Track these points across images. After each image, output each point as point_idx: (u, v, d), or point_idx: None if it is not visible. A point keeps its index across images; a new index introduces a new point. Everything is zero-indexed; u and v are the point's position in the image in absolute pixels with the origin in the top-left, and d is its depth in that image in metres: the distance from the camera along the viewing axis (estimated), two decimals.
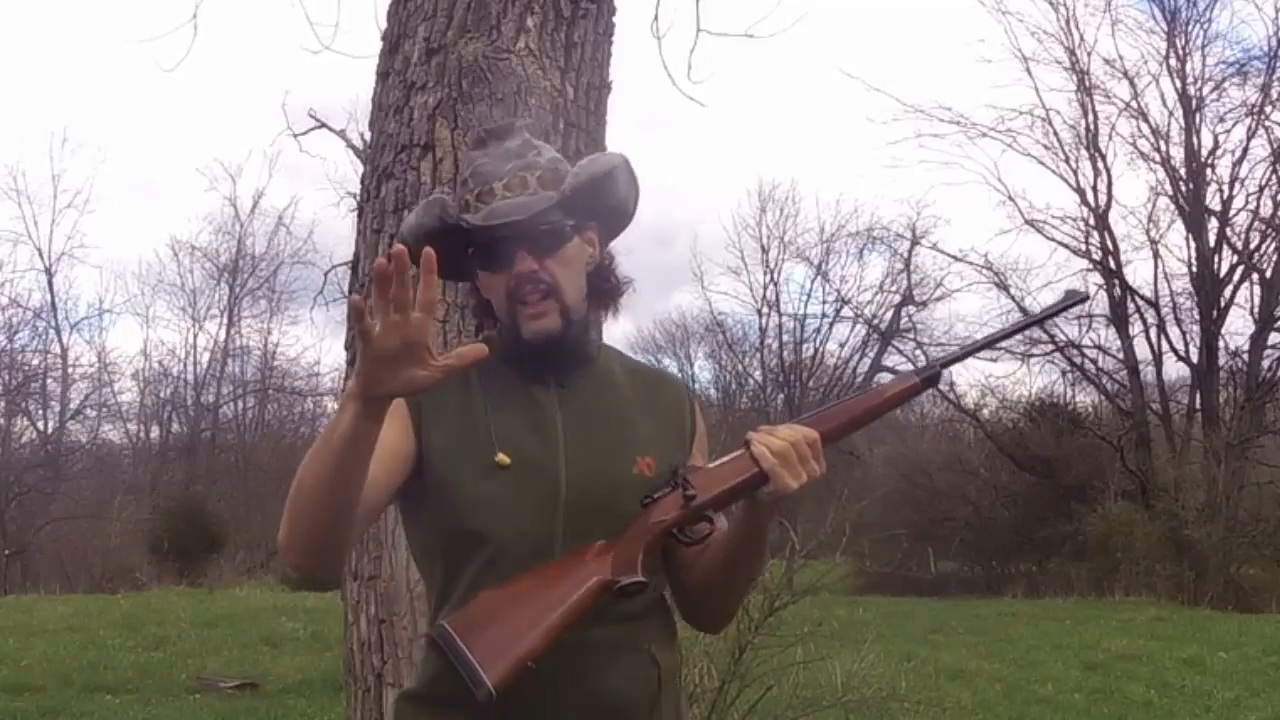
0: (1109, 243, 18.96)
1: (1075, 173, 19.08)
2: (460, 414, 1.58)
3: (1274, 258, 17.96)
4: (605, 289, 1.66)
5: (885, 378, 25.80)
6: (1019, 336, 20.56)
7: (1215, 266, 18.02)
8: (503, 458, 1.54)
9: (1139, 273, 33.79)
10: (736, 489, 1.50)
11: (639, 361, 1.81)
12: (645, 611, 1.59)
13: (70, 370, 26.04)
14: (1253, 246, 18.26)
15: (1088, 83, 18.83)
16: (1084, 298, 1.86)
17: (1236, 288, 18.21)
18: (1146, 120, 18.69)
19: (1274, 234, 18.00)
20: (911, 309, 24.59)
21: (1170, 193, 18.52)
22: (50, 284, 25.50)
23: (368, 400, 1.31)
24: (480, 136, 1.65)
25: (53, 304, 25.47)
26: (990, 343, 1.86)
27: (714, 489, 1.49)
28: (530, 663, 1.39)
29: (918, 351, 22.78)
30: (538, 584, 1.45)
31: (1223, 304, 18.03)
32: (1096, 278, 19.24)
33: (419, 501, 1.58)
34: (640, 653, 1.58)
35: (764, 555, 1.58)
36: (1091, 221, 18.86)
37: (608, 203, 1.63)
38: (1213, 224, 18.33)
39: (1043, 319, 1.91)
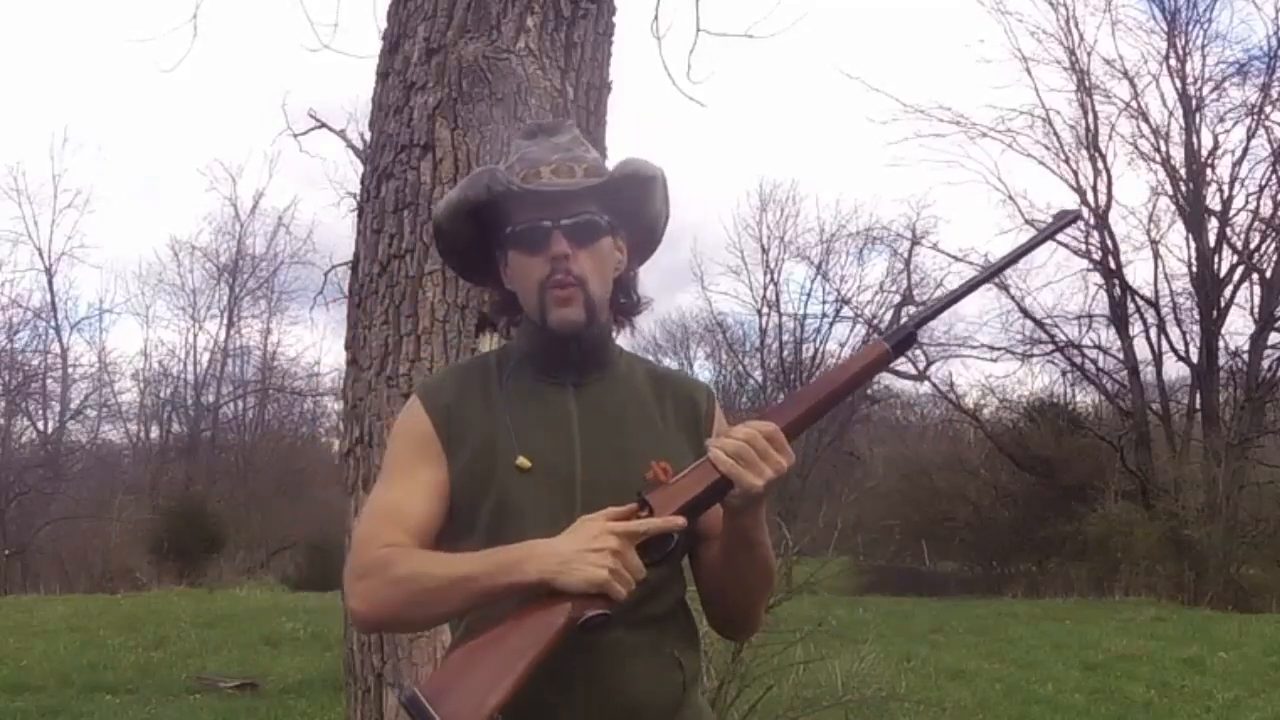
0: (1109, 243, 18.96)
1: (1075, 173, 19.11)
2: (482, 423, 1.59)
3: (1274, 258, 17.97)
4: (625, 304, 1.68)
5: (885, 378, 25.58)
6: (1018, 336, 20.57)
7: (1215, 266, 18.02)
8: (524, 461, 1.55)
9: (1139, 273, 33.89)
10: (700, 499, 1.47)
11: (664, 367, 1.80)
12: (668, 614, 1.60)
13: (70, 370, 26.11)
14: (1253, 246, 18.27)
15: (1088, 83, 18.84)
16: (1076, 215, 1.76)
17: (1236, 288, 18.23)
18: (1146, 120, 18.71)
19: (1274, 234, 17.99)
20: (911, 309, 24.56)
21: (1170, 193, 18.53)
22: (50, 284, 25.57)
23: (537, 591, 1.40)
24: (531, 129, 1.67)
25: (53, 304, 25.53)
26: (964, 293, 1.63)
27: (672, 505, 1.46)
28: (498, 715, 1.39)
29: (918, 351, 22.74)
30: (506, 632, 1.43)
31: (1223, 304, 18.03)
32: (1096, 278, 19.27)
33: (452, 515, 1.59)
34: (663, 656, 1.57)
35: (759, 559, 1.55)
36: (1091, 221, 18.86)
37: (642, 213, 1.66)
38: (1213, 224, 18.33)
39: (1033, 247, 1.68)
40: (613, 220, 1.61)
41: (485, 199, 1.58)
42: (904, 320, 1.59)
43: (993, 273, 1.71)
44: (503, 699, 1.39)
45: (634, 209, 1.64)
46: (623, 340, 1.74)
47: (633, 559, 1.40)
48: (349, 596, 1.51)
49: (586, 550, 1.39)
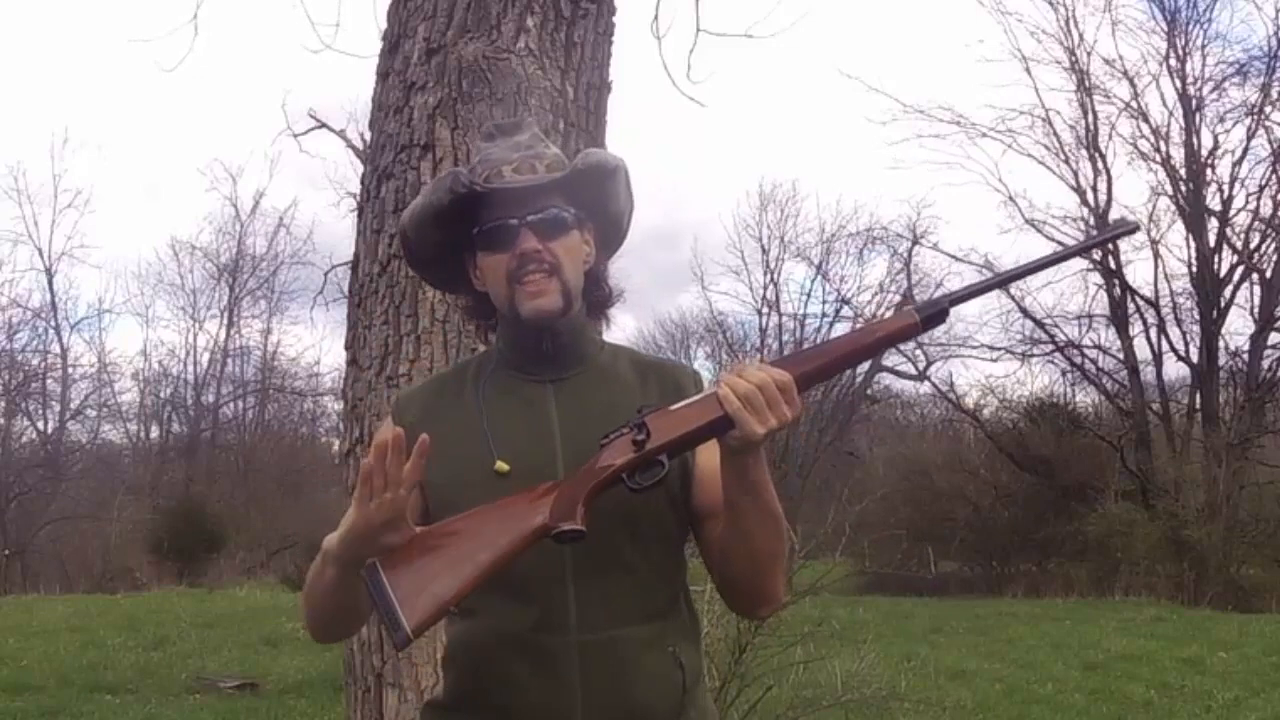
0: (1109, 243, 18.93)
1: (1075, 173, 19.10)
2: (457, 429, 1.57)
3: (1274, 258, 17.97)
4: (598, 296, 1.67)
5: (885, 378, 25.40)
6: (1018, 336, 20.57)
7: (1215, 266, 18.02)
8: (502, 465, 1.53)
9: (1139, 273, 33.87)
10: (698, 432, 1.44)
11: (650, 356, 1.77)
12: (669, 608, 1.58)
13: (70, 370, 26.08)
14: (1253, 246, 18.27)
15: (1088, 83, 18.84)
16: (1134, 227, 1.72)
17: (1236, 288, 18.23)
18: (1146, 120, 18.71)
19: (1274, 234, 17.99)
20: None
21: (1170, 193, 18.53)
22: (50, 284, 25.57)
23: (347, 563, 1.42)
24: (490, 130, 1.67)
25: (53, 304, 25.52)
26: (1012, 278, 1.60)
27: (670, 433, 1.44)
28: (453, 608, 1.37)
29: (918, 351, 22.76)
30: (477, 525, 1.41)
31: (1223, 304, 18.03)
32: (1096, 278, 19.28)
33: (428, 523, 1.57)
34: (665, 654, 1.55)
35: (764, 505, 1.48)
36: (1091, 221, 18.84)
37: (607, 205, 1.65)
38: (1213, 224, 18.33)
39: (1090, 247, 1.66)
40: (579, 213, 1.60)
41: (449, 202, 1.57)
42: (940, 297, 1.54)
43: (1044, 264, 1.62)
44: (460, 590, 1.36)
45: (598, 201, 1.63)
46: (605, 333, 1.73)
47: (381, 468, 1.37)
48: None
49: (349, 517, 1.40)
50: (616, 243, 1.71)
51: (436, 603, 1.35)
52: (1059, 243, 18.99)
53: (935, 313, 1.51)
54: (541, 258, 1.54)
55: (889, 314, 1.56)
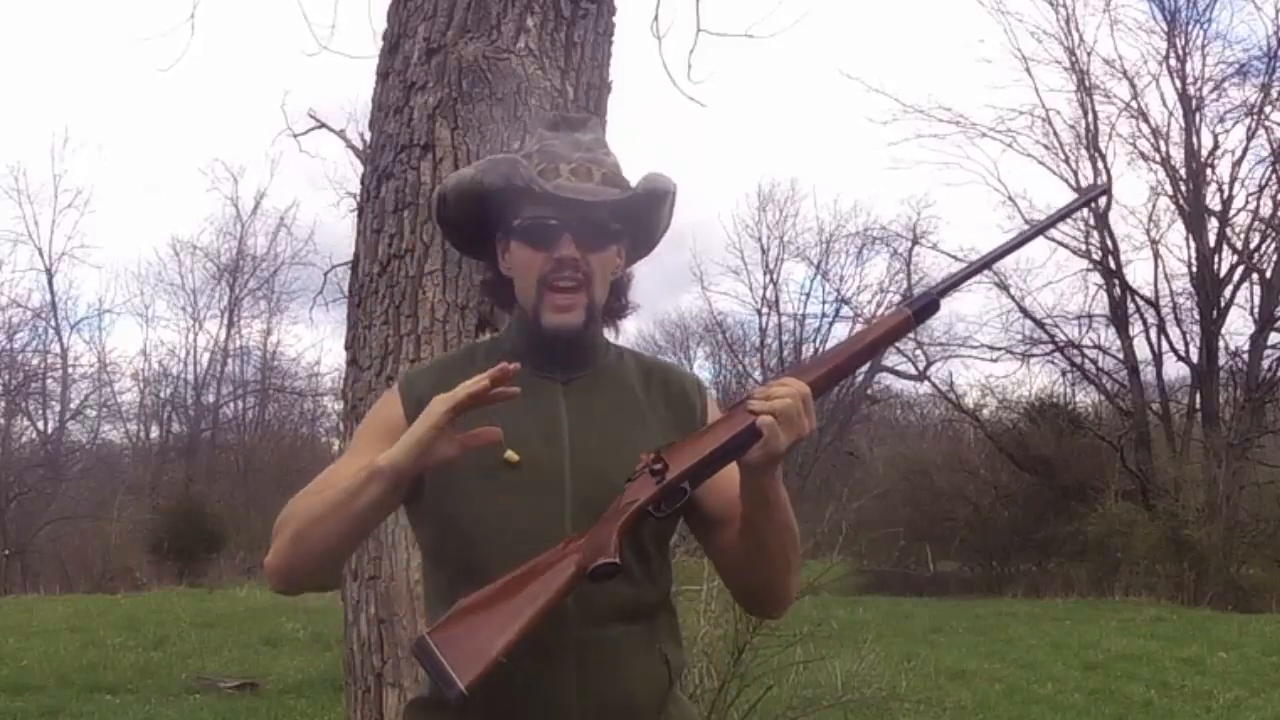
0: (1109, 243, 18.96)
1: (1075, 173, 19.09)
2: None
3: (1274, 258, 17.98)
4: (615, 306, 1.67)
5: (885, 378, 25.41)
6: (1018, 335, 20.57)
7: (1215, 266, 18.02)
8: (512, 455, 1.53)
9: (1139, 273, 33.85)
10: (718, 454, 1.46)
11: (655, 360, 1.78)
12: (657, 609, 1.60)
13: (70, 370, 26.10)
14: (1253, 246, 18.28)
15: (1088, 83, 18.84)
16: (1104, 189, 1.71)
17: (1236, 288, 18.24)
18: (1146, 120, 18.72)
19: (1274, 234, 17.99)
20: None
21: (1170, 193, 18.53)
22: (50, 284, 25.58)
23: (403, 472, 1.41)
24: (555, 120, 1.66)
25: (53, 304, 25.53)
26: (994, 259, 1.60)
27: (687, 460, 1.46)
28: (503, 659, 1.38)
29: (918, 351, 22.77)
30: (514, 582, 1.43)
31: (1223, 304, 18.03)
32: (1096, 278, 19.28)
33: (426, 508, 1.58)
34: (654, 651, 1.58)
35: (780, 521, 1.52)
36: (1091, 221, 18.84)
37: (650, 225, 1.65)
38: (1213, 224, 18.33)
39: (1064, 215, 1.65)
40: (621, 229, 1.60)
41: (501, 188, 1.56)
42: (929, 287, 1.55)
43: (1017, 244, 1.63)
44: (508, 644, 1.39)
45: (643, 221, 1.64)
46: (612, 339, 1.73)
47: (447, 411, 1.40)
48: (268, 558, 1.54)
49: (414, 427, 1.42)
50: (645, 254, 1.72)
51: (485, 657, 1.38)
52: (1059, 242, 19.01)
53: (926, 305, 1.53)
54: (577, 266, 1.54)
55: (887, 313, 1.57)
